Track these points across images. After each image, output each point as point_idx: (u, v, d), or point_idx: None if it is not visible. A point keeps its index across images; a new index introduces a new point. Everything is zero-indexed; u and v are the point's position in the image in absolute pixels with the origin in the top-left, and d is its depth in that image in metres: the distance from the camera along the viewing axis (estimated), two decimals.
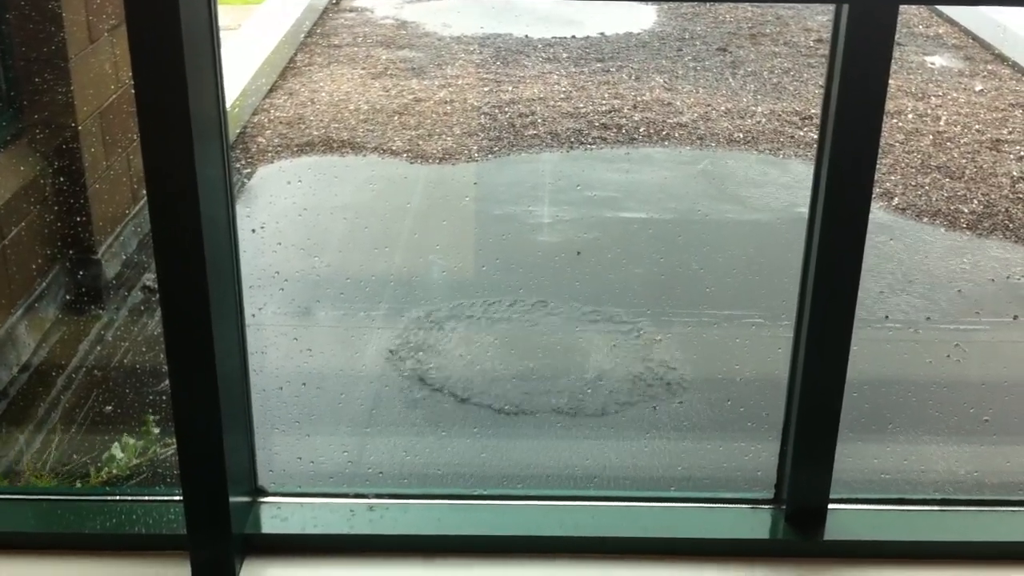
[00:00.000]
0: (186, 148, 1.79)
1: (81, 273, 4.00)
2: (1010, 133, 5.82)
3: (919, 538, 2.22)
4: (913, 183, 5.24)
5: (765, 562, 2.17)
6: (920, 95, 6.29)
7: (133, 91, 1.78)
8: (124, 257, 4.20)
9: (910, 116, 5.99)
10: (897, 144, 5.64)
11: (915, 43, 7.23)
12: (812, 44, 7.11)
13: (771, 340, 3.98)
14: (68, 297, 3.94)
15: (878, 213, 4.91)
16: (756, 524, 2.23)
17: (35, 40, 3.75)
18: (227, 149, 1.97)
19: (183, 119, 1.77)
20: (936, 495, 2.33)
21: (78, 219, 3.95)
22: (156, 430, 3.33)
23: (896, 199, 5.08)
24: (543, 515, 2.27)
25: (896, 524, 2.25)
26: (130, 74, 1.77)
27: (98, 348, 3.82)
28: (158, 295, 1.92)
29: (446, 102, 6.08)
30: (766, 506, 2.24)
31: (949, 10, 7.62)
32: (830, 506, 2.20)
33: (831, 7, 1.91)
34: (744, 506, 2.26)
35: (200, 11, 1.81)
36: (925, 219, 4.93)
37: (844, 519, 2.22)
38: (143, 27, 1.72)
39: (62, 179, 3.91)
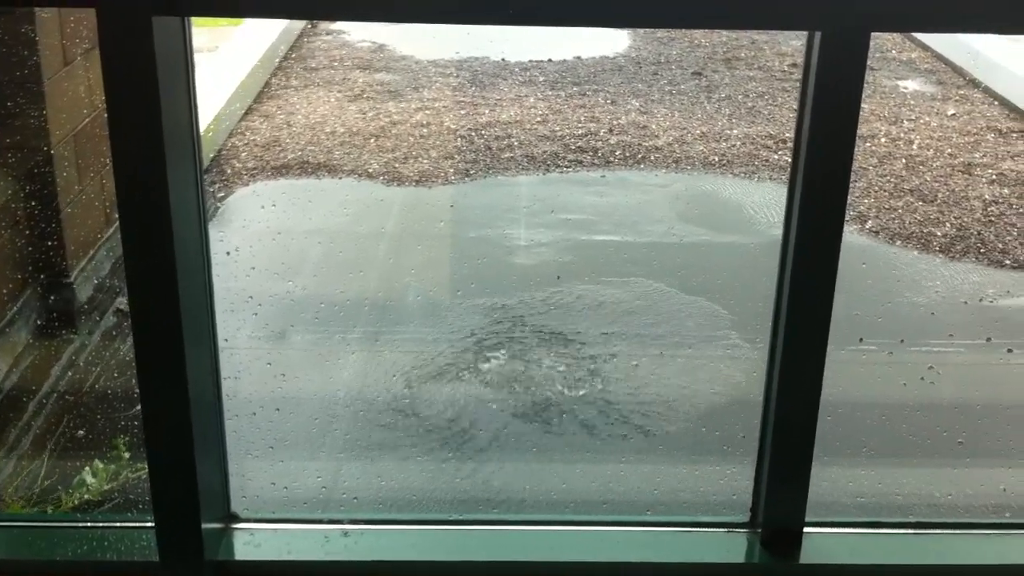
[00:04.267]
0: (159, 171, 1.78)
1: (53, 297, 3.96)
2: (982, 157, 5.87)
3: (895, 561, 2.22)
4: (886, 206, 5.27)
5: None
6: (893, 119, 6.34)
7: (106, 114, 1.77)
8: (96, 281, 4.16)
9: (883, 140, 6.04)
10: (870, 168, 5.68)
11: (888, 67, 7.30)
12: (786, 68, 7.16)
13: (746, 362, 3.99)
14: (40, 321, 3.91)
15: (852, 236, 4.94)
16: (732, 548, 2.23)
17: (8, 64, 3.73)
18: (200, 172, 1.96)
19: (156, 142, 1.77)
20: (911, 519, 2.33)
21: (50, 243, 3.92)
22: (127, 454, 3.31)
23: (870, 222, 5.11)
24: (518, 540, 2.26)
25: (872, 548, 2.26)
26: (103, 97, 1.77)
27: (70, 373, 3.79)
28: (130, 319, 1.90)
29: (423, 125, 6.09)
30: (742, 530, 2.24)
31: (922, 35, 7.70)
32: (806, 530, 2.20)
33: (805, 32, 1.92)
34: (720, 530, 2.25)
35: (175, 34, 1.81)
36: (898, 242, 4.96)
37: (820, 543, 2.22)
38: (117, 50, 1.72)
39: (34, 203, 3.88)
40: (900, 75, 7.16)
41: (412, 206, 5.24)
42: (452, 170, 5.58)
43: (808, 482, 2.13)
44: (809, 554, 2.20)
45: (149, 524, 2.14)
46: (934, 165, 5.75)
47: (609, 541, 2.25)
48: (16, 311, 3.77)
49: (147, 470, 2.02)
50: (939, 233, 5.02)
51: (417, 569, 2.19)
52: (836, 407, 3.61)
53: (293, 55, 7.27)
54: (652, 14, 1.83)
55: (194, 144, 1.93)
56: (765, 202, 5.34)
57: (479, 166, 5.62)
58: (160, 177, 1.78)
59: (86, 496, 3.15)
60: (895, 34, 7.84)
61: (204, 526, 2.04)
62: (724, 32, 7.82)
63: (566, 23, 1.85)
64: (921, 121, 6.34)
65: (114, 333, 4.04)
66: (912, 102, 6.67)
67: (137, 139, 1.77)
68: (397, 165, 5.58)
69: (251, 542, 2.21)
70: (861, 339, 4.13)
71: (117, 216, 1.82)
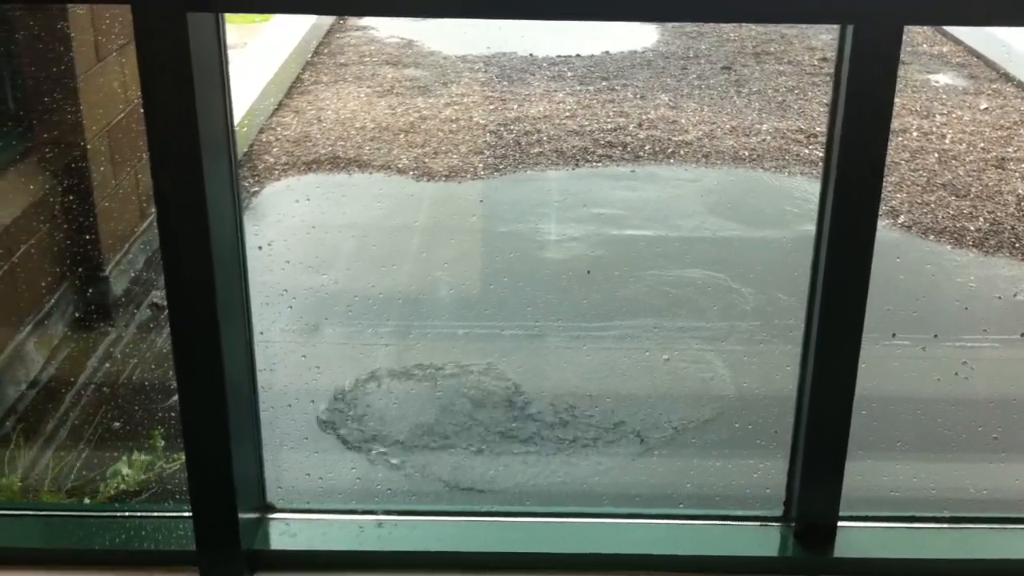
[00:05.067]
0: (195, 166, 1.80)
1: (89, 290, 4.01)
2: (1015, 151, 5.82)
3: (929, 556, 2.21)
4: (919, 201, 5.24)
5: None
6: (925, 113, 6.30)
7: (142, 109, 1.79)
8: (132, 274, 4.21)
9: (915, 134, 6.00)
10: (903, 162, 5.64)
11: (919, 61, 7.24)
12: (816, 63, 7.12)
13: (779, 357, 3.98)
14: (76, 314, 3.96)
15: (884, 231, 4.92)
16: (765, 541, 2.23)
17: (44, 60, 3.77)
18: (235, 167, 1.98)
19: (191, 137, 1.78)
20: (945, 513, 2.32)
21: (86, 237, 3.96)
22: (162, 444, 3.34)
23: (902, 217, 5.08)
24: (550, 532, 2.27)
25: (905, 542, 2.25)
26: (138, 92, 1.78)
27: (106, 365, 3.83)
28: (167, 312, 1.92)
29: (452, 120, 6.10)
30: (775, 523, 2.24)
31: (953, 29, 7.64)
32: (839, 524, 2.20)
33: (836, 26, 1.92)
34: (753, 523, 2.25)
35: (208, 30, 1.82)
36: (931, 237, 4.93)
37: (854, 537, 2.22)
38: (152, 46, 1.73)
39: (71, 197, 3.92)
40: (931, 69, 7.11)
41: (443, 201, 5.26)
42: (482, 165, 5.59)
43: (842, 476, 2.12)
44: (842, 548, 2.19)
45: (186, 514, 2.17)
46: (967, 159, 5.71)
47: (642, 533, 2.25)
48: (53, 304, 3.81)
49: (182, 461, 2.04)
50: (972, 228, 4.99)
51: (451, 560, 2.20)
52: (870, 401, 3.59)
53: (323, 51, 7.30)
54: (682, 8, 1.83)
55: (229, 139, 1.95)
56: (797, 196, 5.32)
57: (508, 161, 5.63)
58: (196, 171, 1.80)
59: (122, 486, 3.18)
60: (926, 28, 7.78)
61: (240, 516, 2.06)
62: (753, 26, 7.78)
63: (595, 17, 1.85)
64: (953, 115, 6.29)
65: (150, 326, 4.08)
66: (944, 96, 6.62)
67: (173, 134, 1.78)
68: (427, 160, 5.60)
69: (286, 532, 2.23)
70: (894, 334, 4.11)
71: (152, 210, 1.84)
